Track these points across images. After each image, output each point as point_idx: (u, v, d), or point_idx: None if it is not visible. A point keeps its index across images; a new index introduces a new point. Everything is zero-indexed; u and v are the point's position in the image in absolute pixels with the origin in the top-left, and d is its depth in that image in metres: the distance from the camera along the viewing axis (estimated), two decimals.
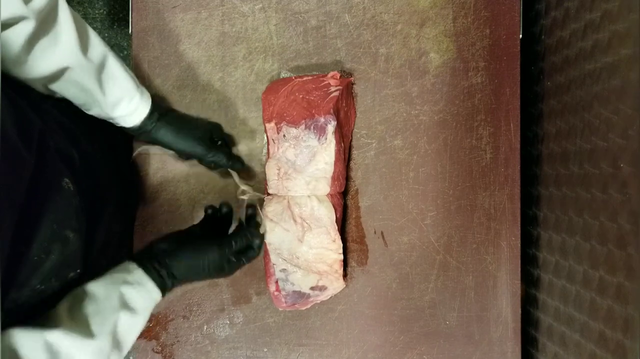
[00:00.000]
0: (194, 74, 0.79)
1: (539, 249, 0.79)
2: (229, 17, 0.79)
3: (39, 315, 0.53)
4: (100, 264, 0.64)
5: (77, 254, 0.59)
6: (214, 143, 0.74)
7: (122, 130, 0.71)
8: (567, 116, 0.71)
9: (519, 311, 0.77)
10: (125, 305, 0.57)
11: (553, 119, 0.76)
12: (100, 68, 0.64)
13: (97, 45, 0.64)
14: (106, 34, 1.54)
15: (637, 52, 0.54)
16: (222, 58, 0.79)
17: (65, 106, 0.67)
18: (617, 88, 0.58)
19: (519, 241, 0.77)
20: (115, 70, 0.66)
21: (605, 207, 0.60)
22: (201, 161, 0.75)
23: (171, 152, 0.75)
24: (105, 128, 0.71)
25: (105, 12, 1.54)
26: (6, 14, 0.54)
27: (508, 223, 0.77)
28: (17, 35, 0.56)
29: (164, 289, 0.61)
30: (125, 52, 1.53)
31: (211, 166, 0.76)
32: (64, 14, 0.60)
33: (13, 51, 0.57)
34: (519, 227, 0.77)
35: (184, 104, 0.79)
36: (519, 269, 0.77)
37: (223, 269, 0.66)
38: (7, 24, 0.55)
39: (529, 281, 0.82)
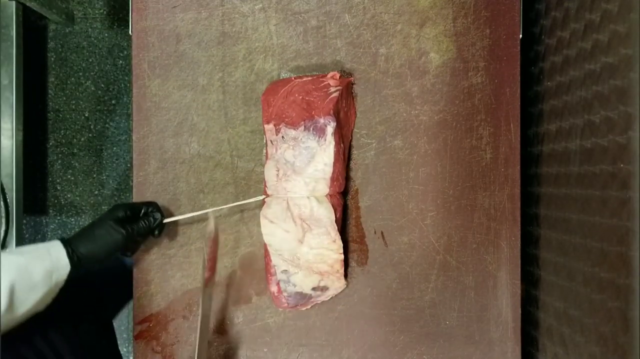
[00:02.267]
0: (194, 74, 0.79)
1: (539, 249, 0.79)
2: (229, 17, 0.79)
3: None
4: None
5: None
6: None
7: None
8: (567, 116, 0.71)
9: (519, 311, 0.77)
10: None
11: (553, 119, 0.76)
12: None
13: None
14: (106, 34, 1.54)
15: (637, 52, 0.54)
16: (222, 58, 0.79)
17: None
18: (617, 88, 0.58)
19: (519, 241, 0.77)
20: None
21: (605, 207, 0.60)
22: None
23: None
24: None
25: (105, 12, 1.54)
26: None
27: (508, 223, 0.77)
28: None
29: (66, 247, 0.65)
30: (125, 52, 1.53)
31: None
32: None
33: None
34: (519, 227, 0.77)
35: (184, 104, 0.79)
36: (519, 269, 0.77)
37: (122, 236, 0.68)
38: None
39: (529, 281, 0.82)
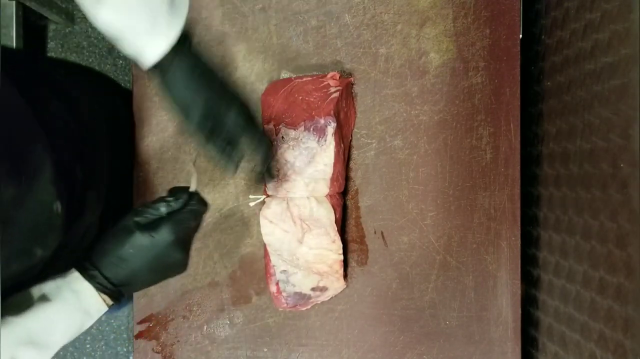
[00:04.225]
0: None
1: (539, 249, 0.79)
2: (229, 17, 0.79)
3: None
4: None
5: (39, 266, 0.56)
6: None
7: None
8: (567, 116, 0.71)
9: (519, 311, 0.77)
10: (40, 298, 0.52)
11: (553, 119, 0.76)
12: None
13: None
14: None
15: (637, 52, 0.54)
16: (222, 58, 0.79)
17: (74, 105, 0.67)
18: (617, 88, 0.58)
19: (519, 241, 0.77)
20: None
21: (605, 207, 0.60)
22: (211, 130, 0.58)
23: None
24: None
25: None
26: None
27: (508, 223, 0.77)
28: None
29: (102, 289, 0.55)
30: None
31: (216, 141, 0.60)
32: None
33: None
34: (519, 227, 0.77)
35: None
36: (519, 269, 0.77)
37: (169, 257, 0.56)
38: None
39: (529, 281, 0.82)
